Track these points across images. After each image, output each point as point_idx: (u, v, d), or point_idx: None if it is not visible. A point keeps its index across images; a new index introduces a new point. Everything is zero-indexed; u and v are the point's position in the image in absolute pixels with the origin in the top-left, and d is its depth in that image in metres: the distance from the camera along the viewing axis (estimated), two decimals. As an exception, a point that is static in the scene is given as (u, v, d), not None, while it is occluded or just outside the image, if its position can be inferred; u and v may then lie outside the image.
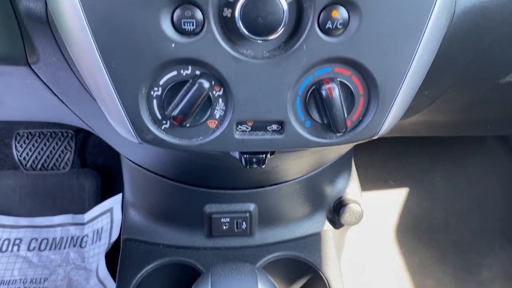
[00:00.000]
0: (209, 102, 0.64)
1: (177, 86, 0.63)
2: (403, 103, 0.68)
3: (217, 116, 0.66)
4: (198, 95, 0.62)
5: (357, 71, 0.64)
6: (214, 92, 0.64)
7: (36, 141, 1.68)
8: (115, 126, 0.67)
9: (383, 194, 1.86)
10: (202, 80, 0.62)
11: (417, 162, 1.87)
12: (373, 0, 0.59)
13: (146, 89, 0.63)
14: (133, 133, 0.66)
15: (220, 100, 0.65)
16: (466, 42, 0.76)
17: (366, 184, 1.84)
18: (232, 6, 0.59)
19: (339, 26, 0.60)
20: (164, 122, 0.66)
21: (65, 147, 1.69)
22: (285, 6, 0.58)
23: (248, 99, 0.64)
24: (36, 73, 0.76)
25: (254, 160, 0.72)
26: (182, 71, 0.62)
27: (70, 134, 1.69)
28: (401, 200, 1.86)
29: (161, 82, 0.63)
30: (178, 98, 0.63)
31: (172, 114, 0.63)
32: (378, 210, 1.81)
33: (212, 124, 0.66)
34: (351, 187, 1.22)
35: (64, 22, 0.60)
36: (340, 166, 1.20)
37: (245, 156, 0.72)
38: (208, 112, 0.65)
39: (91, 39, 0.59)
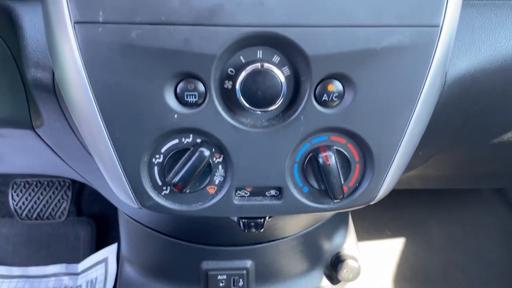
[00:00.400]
0: (209, 169, 0.66)
1: (178, 153, 0.65)
2: (398, 170, 0.70)
3: (217, 182, 0.67)
4: (199, 163, 0.64)
5: (353, 140, 0.67)
6: (214, 159, 0.66)
7: (33, 190, 1.68)
8: (116, 192, 0.68)
9: (380, 244, 1.85)
10: (202, 149, 0.64)
11: (413, 212, 1.87)
12: (367, 75, 0.62)
13: (148, 156, 0.64)
14: (133, 199, 0.67)
15: (220, 166, 0.66)
16: (457, 108, 0.79)
17: (363, 234, 1.83)
18: (233, 79, 0.61)
19: (334, 99, 0.63)
20: (164, 188, 0.67)
21: (61, 196, 1.69)
22: (283, 80, 0.60)
23: (247, 166, 0.66)
24: (40, 135, 0.78)
25: (252, 224, 0.73)
26: (183, 139, 0.64)
27: (67, 183, 1.70)
28: (398, 250, 1.85)
29: (162, 150, 0.65)
30: (178, 165, 0.64)
31: (173, 181, 0.64)
32: (375, 260, 1.80)
33: (211, 190, 0.68)
34: (348, 242, 1.22)
35: (70, 92, 0.62)
36: (337, 221, 1.21)
37: (244, 220, 0.73)
38: (208, 178, 0.67)
39: (96, 110, 0.61)
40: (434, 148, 0.93)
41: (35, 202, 1.68)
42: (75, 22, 0.57)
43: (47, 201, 1.68)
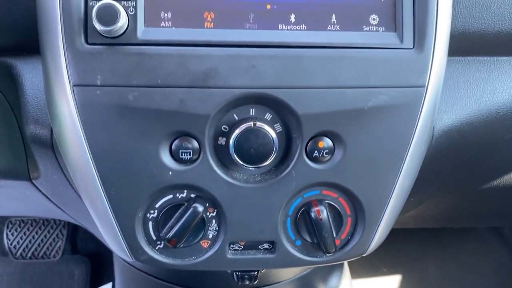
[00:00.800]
0: (202, 223, 0.67)
1: (172, 208, 0.66)
2: (390, 221, 0.71)
3: (210, 236, 0.68)
4: (192, 219, 0.65)
5: (344, 194, 0.68)
6: (207, 214, 0.67)
7: (28, 229, 1.68)
8: (110, 245, 0.69)
9: (376, 281, 1.84)
10: (196, 204, 0.65)
11: (409, 249, 1.87)
12: (356, 133, 0.64)
13: (142, 212, 0.66)
14: (128, 253, 0.68)
15: (214, 221, 0.67)
16: (446, 159, 0.81)
17: (359, 271, 1.83)
18: (227, 135, 0.63)
19: (325, 155, 0.65)
20: (158, 243, 0.68)
21: (56, 235, 1.68)
22: (275, 138, 0.62)
23: (240, 220, 0.67)
24: (37, 186, 0.79)
25: (246, 276, 0.74)
26: (177, 195, 0.66)
27: (62, 222, 1.69)
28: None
29: (157, 205, 0.66)
30: (173, 220, 0.65)
31: (167, 236, 0.65)
32: (372, 298, 1.79)
33: (205, 244, 0.69)
34: (343, 285, 1.21)
35: (68, 151, 0.64)
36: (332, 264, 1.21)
37: (237, 273, 0.74)
38: (202, 233, 0.68)
39: (93, 168, 0.62)
40: (425, 194, 0.95)
41: (29, 241, 1.68)
42: (74, 85, 0.59)
43: (42, 240, 1.68)
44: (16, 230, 1.68)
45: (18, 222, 1.68)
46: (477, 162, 0.85)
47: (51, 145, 0.70)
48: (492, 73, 0.76)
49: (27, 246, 1.67)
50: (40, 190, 0.81)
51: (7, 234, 1.66)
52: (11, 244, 1.66)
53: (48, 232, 1.68)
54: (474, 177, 0.92)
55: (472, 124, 0.75)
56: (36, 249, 1.68)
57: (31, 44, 0.66)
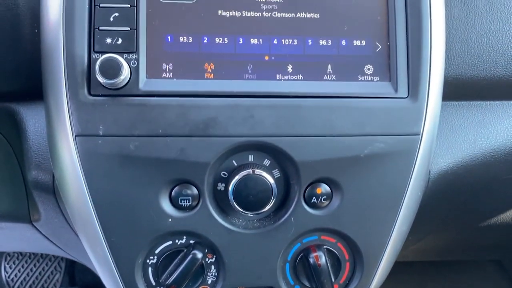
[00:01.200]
0: (201, 269, 0.67)
1: (171, 254, 0.67)
2: (388, 265, 0.72)
3: (209, 282, 0.68)
4: (192, 265, 0.65)
5: (342, 239, 0.69)
6: (206, 260, 0.67)
7: (26, 261, 1.67)
8: None
9: (377, 314, 1.81)
10: (195, 251, 0.65)
11: (408, 281, 1.85)
12: (353, 179, 0.65)
13: (142, 258, 0.66)
14: (127, 300, 0.68)
15: (213, 267, 0.68)
16: (443, 200, 0.82)
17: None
18: (226, 181, 0.65)
19: (323, 201, 0.65)
20: (158, 288, 0.68)
21: (55, 267, 1.67)
22: (273, 185, 0.63)
23: (239, 266, 0.67)
24: (38, 228, 0.80)
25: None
26: (177, 241, 0.66)
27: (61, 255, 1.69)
28: (395, 320, 1.81)
29: (156, 251, 0.66)
30: (172, 267, 0.66)
31: (167, 282, 0.65)
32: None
33: (204, 289, 0.69)
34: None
35: (69, 198, 0.65)
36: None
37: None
38: (201, 279, 0.68)
39: (94, 215, 0.63)
40: (423, 233, 0.95)
41: (27, 274, 1.66)
42: (76, 135, 0.61)
43: (40, 273, 1.66)
44: (14, 262, 1.67)
45: (16, 255, 1.67)
46: (474, 202, 0.86)
47: (53, 190, 0.71)
48: (486, 117, 0.77)
49: (24, 279, 1.66)
50: (40, 232, 0.81)
51: (4, 267, 1.65)
52: (8, 277, 1.64)
53: (46, 265, 1.67)
54: (472, 215, 0.93)
55: (468, 167, 0.77)
56: (34, 282, 1.66)
57: (34, 90, 0.68)
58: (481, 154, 0.76)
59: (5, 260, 1.67)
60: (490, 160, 0.77)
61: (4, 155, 0.73)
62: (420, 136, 0.65)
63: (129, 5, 0.61)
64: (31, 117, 0.72)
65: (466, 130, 0.77)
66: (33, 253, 1.67)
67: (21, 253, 1.68)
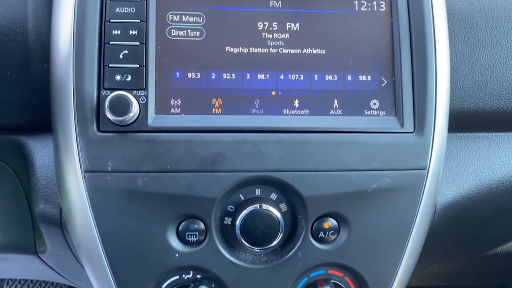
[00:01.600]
0: (209, 304, 0.67)
1: (178, 289, 0.66)
2: (395, 299, 0.71)
3: (216, 316, 0.68)
4: (199, 300, 0.65)
5: (350, 273, 0.68)
6: (213, 294, 0.67)
7: (28, 286, 1.65)
8: None
9: None
10: (202, 286, 0.65)
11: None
12: (361, 214, 0.65)
13: (149, 292, 0.66)
14: (134, 334, 0.67)
15: (220, 301, 0.67)
16: (449, 230, 0.81)
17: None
18: (233, 216, 0.65)
19: (330, 235, 0.65)
20: (164, 323, 0.67)
21: (57, 292, 1.66)
22: (281, 219, 0.63)
23: (246, 301, 0.67)
24: (43, 260, 0.80)
25: None
26: (184, 276, 0.66)
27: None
28: None
29: (163, 286, 0.66)
30: (179, 303, 0.66)
31: (173, 317, 0.65)
32: None
33: (211, 324, 0.68)
34: None
35: (76, 231, 0.65)
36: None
37: None
38: (208, 313, 0.67)
39: (101, 250, 0.63)
40: (429, 262, 0.95)
41: (29, 299, 1.65)
42: (85, 171, 0.61)
43: (41, 298, 1.65)
44: (15, 287, 1.66)
45: (18, 280, 1.65)
46: (480, 232, 0.86)
47: (60, 224, 0.71)
48: (491, 148, 0.78)
49: (26, 304, 1.64)
50: (46, 263, 0.81)
51: (6, 292, 1.64)
52: (10, 302, 1.63)
53: (49, 289, 1.66)
54: (478, 244, 0.93)
55: (474, 198, 0.77)
56: (35, 307, 1.65)
57: (43, 122, 0.69)
58: (486, 186, 0.77)
59: (7, 284, 1.65)
60: (495, 192, 0.77)
61: (12, 187, 0.73)
62: (427, 170, 0.65)
63: (138, 43, 0.62)
64: (39, 150, 0.73)
65: (472, 162, 0.77)
66: (32, 280, 1.66)
67: (23, 279, 1.66)
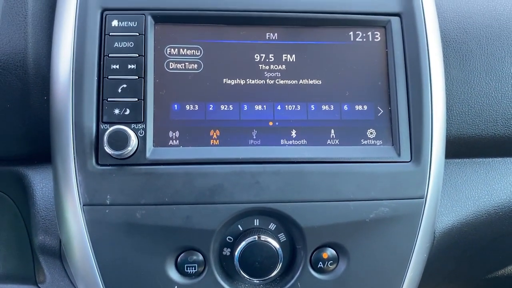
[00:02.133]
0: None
1: (178, 322, 0.66)
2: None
3: None
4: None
5: (349, 302, 0.68)
6: (213, 326, 0.67)
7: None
8: None
9: None
10: (202, 318, 0.65)
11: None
12: (359, 244, 0.65)
13: (148, 325, 0.66)
14: None
15: (220, 334, 0.67)
16: (448, 256, 0.81)
17: None
18: (231, 246, 0.65)
19: (329, 265, 0.65)
20: None
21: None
22: (279, 250, 0.63)
23: (246, 333, 0.67)
24: (42, 290, 0.80)
25: None
26: None
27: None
28: None
29: (162, 319, 0.66)
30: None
31: None
32: None
33: None
34: None
35: (76, 263, 0.65)
36: None
37: None
38: None
39: (100, 282, 0.63)
40: (430, 286, 0.94)
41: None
42: (84, 205, 0.61)
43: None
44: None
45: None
46: (480, 257, 0.85)
47: (59, 255, 0.71)
48: (489, 174, 0.78)
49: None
50: (45, 292, 0.81)
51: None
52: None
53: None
54: (478, 269, 0.92)
55: (472, 224, 0.77)
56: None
57: (43, 153, 0.69)
58: (485, 212, 0.77)
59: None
60: (494, 217, 0.77)
61: (12, 217, 0.73)
62: (424, 199, 0.66)
63: (137, 77, 0.63)
64: (38, 181, 0.73)
65: (470, 188, 0.77)
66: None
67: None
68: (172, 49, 0.66)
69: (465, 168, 0.78)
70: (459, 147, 0.76)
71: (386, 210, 0.64)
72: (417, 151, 0.65)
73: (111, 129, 0.60)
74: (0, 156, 0.73)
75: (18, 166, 0.74)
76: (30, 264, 0.75)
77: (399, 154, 0.65)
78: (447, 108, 0.72)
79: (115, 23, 0.65)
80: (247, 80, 0.66)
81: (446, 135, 0.69)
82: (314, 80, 0.67)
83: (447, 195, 0.76)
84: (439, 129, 0.67)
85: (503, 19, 0.77)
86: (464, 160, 0.78)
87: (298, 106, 0.67)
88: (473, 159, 0.79)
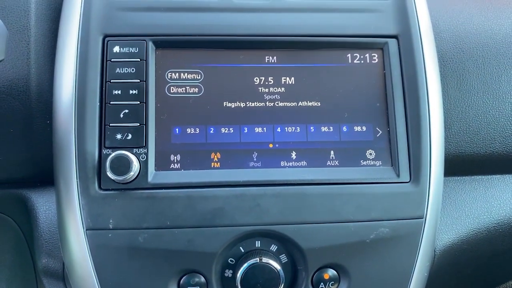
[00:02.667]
0: None
1: None
2: None
3: None
4: None
5: (351, 323, 0.68)
6: None
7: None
8: None
9: None
10: None
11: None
12: (360, 264, 0.66)
13: None
14: None
15: None
16: (449, 274, 0.82)
17: None
18: (233, 268, 0.65)
19: (331, 286, 0.66)
20: None
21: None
22: (281, 271, 0.64)
23: None
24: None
25: None
26: None
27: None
28: None
29: None
30: None
31: None
32: None
33: None
34: None
35: (79, 286, 0.66)
36: None
37: None
38: None
39: (103, 306, 0.64)
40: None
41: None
42: (87, 229, 0.62)
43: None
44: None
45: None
46: (481, 273, 0.86)
47: (62, 278, 0.72)
48: (488, 191, 0.78)
49: None
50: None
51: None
52: None
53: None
54: (479, 286, 0.93)
55: (473, 241, 0.77)
56: None
57: (46, 176, 0.70)
58: (485, 229, 0.77)
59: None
60: (494, 234, 0.78)
61: (16, 240, 0.74)
62: (424, 219, 0.66)
63: (138, 102, 0.64)
64: (42, 204, 0.74)
65: (469, 205, 0.78)
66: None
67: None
68: (173, 74, 0.67)
69: (464, 186, 0.79)
70: (458, 165, 0.77)
71: (386, 230, 0.65)
72: (416, 172, 0.66)
73: (113, 154, 0.61)
74: (3, 179, 0.74)
75: (22, 188, 0.75)
76: (34, 287, 0.75)
77: (398, 175, 0.66)
78: (445, 127, 0.73)
79: (116, 49, 0.66)
80: (247, 103, 0.67)
81: (445, 154, 0.70)
82: (313, 102, 0.68)
83: (447, 213, 0.77)
84: (438, 149, 0.68)
85: (499, 38, 0.78)
86: (463, 177, 0.79)
87: (298, 128, 0.67)
88: (472, 177, 0.79)
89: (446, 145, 0.73)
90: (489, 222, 0.77)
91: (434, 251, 0.75)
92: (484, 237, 0.77)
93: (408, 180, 0.66)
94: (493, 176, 0.79)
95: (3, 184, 0.75)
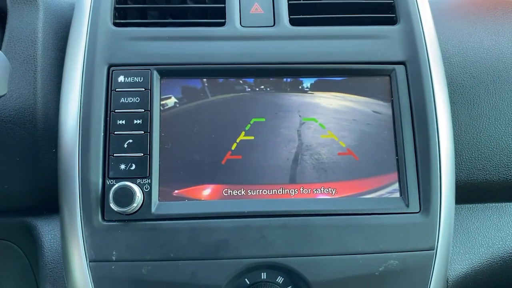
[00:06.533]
0: None
1: None
2: None
3: None
4: None
5: None
6: None
7: None
8: None
9: None
10: None
11: None
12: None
13: None
14: None
15: None
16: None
17: None
18: None
19: None
20: None
21: None
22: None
23: None
24: None
25: None
26: None
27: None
28: None
29: None
30: None
31: None
32: None
33: None
34: None
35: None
36: None
37: None
38: None
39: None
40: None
41: None
42: (90, 261, 0.61)
43: None
44: None
45: None
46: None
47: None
48: (502, 219, 0.76)
49: None
50: None
51: None
52: None
53: None
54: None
55: (487, 271, 0.74)
56: None
57: (52, 204, 0.70)
58: (500, 258, 0.75)
59: None
60: (510, 264, 0.75)
61: (21, 268, 0.74)
62: (435, 250, 0.64)
63: (142, 132, 0.64)
64: (47, 233, 0.74)
65: (483, 234, 0.75)
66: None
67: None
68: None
69: (477, 214, 0.76)
70: (470, 192, 0.74)
71: (396, 263, 0.63)
72: (426, 202, 0.64)
73: (116, 185, 0.60)
74: (10, 207, 0.74)
75: (28, 216, 0.75)
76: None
77: (407, 205, 0.64)
78: (456, 154, 0.71)
79: (121, 78, 0.66)
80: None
81: (457, 181, 0.68)
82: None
83: (460, 242, 0.75)
84: (448, 177, 0.66)
85: (509, 62, 0.76)
86: (476, 205, 0.77)
87: None
88: (485, 204, 0.77)
89: (458, 172, 0.71)
90: (504, 251, 0.75)
91: (447, 281, 0.73)
92: (499, 267, 0.74)
93: (417, 211, 0.64)
94: (507, 203, 0.77)
95: (10, 212, 0.75)
